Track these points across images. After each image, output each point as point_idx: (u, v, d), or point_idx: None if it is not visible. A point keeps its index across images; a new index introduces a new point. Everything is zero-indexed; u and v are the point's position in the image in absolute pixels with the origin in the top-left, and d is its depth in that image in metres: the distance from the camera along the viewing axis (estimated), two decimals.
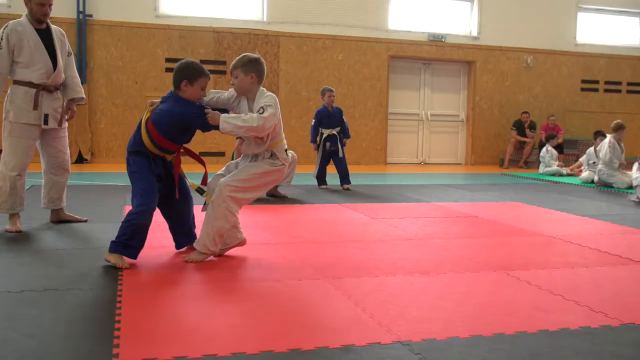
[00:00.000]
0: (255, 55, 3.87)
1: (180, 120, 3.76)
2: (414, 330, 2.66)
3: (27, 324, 2.64)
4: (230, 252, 4.07)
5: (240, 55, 3.87)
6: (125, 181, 8.26)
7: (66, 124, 5.06)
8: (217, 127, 3.68)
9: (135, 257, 3.71)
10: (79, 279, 3.40)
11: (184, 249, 4.12)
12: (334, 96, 8.55)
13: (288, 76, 13.15)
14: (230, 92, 3.94)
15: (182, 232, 4.11)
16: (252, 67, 3.79)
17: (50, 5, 4.76)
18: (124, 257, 3.66)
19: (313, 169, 8.63)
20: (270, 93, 3.84)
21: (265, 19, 13.05)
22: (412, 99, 14.53)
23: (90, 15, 11.98)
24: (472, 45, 14.40)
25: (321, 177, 8.37)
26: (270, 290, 3.32)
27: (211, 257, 3.92)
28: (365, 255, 4.17)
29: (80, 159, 11.73)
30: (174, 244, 4.18)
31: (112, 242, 3.70)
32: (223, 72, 12.80)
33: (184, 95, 3.78)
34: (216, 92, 3.98)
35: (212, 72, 12.62)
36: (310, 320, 2.80)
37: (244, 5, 13.03)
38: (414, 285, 3.45)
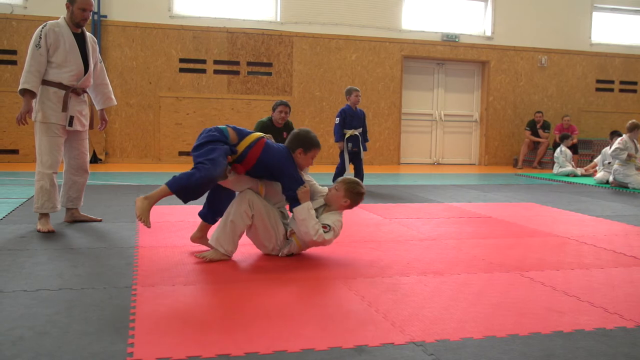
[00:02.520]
0: (364, 191, 4.08)
1: (279, 168, 3.92)
2: (427, 331, 2.66)
3: (42, 322, 2.66)
4: (244, 252, 4.08)
5: (357, 182, 4.07)
6: (139, 181, 8.24)
7: (87, 127, 5.16)
8: (294, 200, 3.87)
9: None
10: (94, 278, 3.42)
11: (198, 250, 4.14)
12: (360, 96, 8.51)
13: (301, 76, 13.16)
14: (324, 189, 4.15)
15: (218, 211, 4.13)
16: (353, 198, 4.03)
17: (91, 11, 4.90)
18: (150, 217, 3.69)
19: (326, 169, 8.62)
20: (341, 218, 4.02)
21: (278, 19, 13.07)
22: (425, 99, 14.50)
23: (105, 16, 12.06)
24: (485, 45, 14.35)
25: (339, 175, 8.35)
26: (283, 289, 3.33)
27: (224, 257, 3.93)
28: (378, 256, 4.17)
29: (94, 159, 11.81)
30: (189, 242, 4.30)
31: (175, 179, 3.68)
32: (237, 73, 12.84)
33: (296, 160, 3.99)
34: (312, 181, 4.18)
35: (226, 72, 12.73)
36: (324, 320, 2.79)
37: (258, 5, 13.06)
38: (428, 285, 3.44)
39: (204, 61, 12.69)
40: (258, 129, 6.78)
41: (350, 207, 4.07)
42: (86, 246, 4.32)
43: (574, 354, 2.44)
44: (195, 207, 6.27)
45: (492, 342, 2.55)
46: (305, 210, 3.83)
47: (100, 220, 5.28)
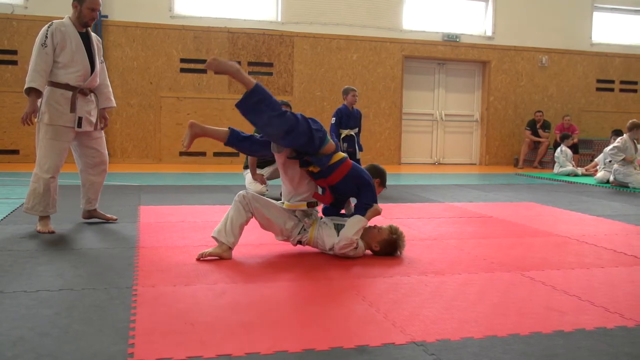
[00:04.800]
0: (398, 250, 4.19)
1: (367, 181, 4.16)
2: (428, 331, 2.66)
3: (42, 323, 2.66)
4: (245, 253, 4.08)
5: (400, 243, 4.17)
6: (140, 181, 8.24)
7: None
8: (362, 210, 4.09)
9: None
10: (94, 279, 3.43)
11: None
12: (357, 96, 8.50)
13: (302, 76, 13.16)
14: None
15: (246, 139, 4.22)
16: (385, 248, 4.16)
17: (99, 11, 4.88)
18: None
19: None
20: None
21: (279, 20, 13.08)
22: (426, 99, 14.50)
23: (106, 16, 12.06)
24: (486, 45, 14.34)
25: None
26: (284, 290, 3.33)
27: (225, 256, 3.93)
28: (378, 256, 4.16)
29: None
30: (190, 243, 4.35)
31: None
32: None
33: None
34: None
35: None
36: (324, 321, 2.79)
37: (258, 5, 13.06)
38: (429, 285, 3.44)
39: (204, 61, 12.59)
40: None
41: (377, 253, 4.17)
42: (87, 247, 4.32)
43: (575, 354, 2.44)
44: (194, 208, 6.28)
45: (493, 342, 2.55)
46: (362, 222, 4.03)
47: (115, 219, 5.31)
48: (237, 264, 3.87)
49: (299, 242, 4.14)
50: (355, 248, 4.03)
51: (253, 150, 4.25)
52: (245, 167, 7.50)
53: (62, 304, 2.94)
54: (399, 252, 4.18)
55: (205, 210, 6.02)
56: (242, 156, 8.29)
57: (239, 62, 12.76)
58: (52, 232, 4.71)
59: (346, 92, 8.45)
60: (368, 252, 4.20)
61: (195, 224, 5.30)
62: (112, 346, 2.41)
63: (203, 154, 12.68)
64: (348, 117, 8.34)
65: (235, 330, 2.63)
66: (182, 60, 12.59)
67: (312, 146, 3.88)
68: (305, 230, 4.11)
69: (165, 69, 12.51)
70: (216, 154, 12.62)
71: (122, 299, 3.05)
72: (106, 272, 3.58)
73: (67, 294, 3.13)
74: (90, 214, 5.23)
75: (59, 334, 2.53)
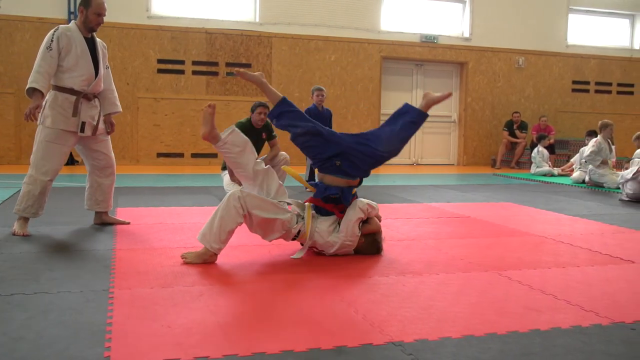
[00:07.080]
0: (378, 245, 4.27)
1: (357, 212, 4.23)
2: (406, 331, 2.67)
3: (16, 327, 2.62)
4: (222, 254, 4.06)
5: (378, 243, 4.26)
6: (118, 183, 8.24)
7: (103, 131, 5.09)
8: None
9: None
10: (70, 282, 3.39)
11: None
12: (323, 95, 8.53)
13: (280, 77, 13.14)
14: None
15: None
16: (368, 246, 4.22)
17: (105, 15, 4.88)
18: None
19: (304, 170, 8.62)
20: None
21: (257, 20, 13.04)
22: (404, 99, 14.34)
23: None
24: (464, 46, 14.44)
25: (311, 179, 8.33)
26: (262, 291, 3.32)
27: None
28: (357, 256, 4.16)
29: (71, 161, 11.67)
30: (167, 245, 4.28)
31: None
32: (215, 74, 12.79)
33: None
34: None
35: (205, 73, 12.67)
36: (303, 322, 2.79)
37: (236, 6, 13.02)
38: (407, 285, 3.45)
39: (182, 62, 12.63)
40: None
41: (358, 250, 4.19)
42: (63, 249, 4.27)
43: (551, 352, 2.46)
44: (172, 209, 6.24)
45: (471, 341, 2.56)
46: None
47: (128, 223, 5.27)
48: (215, 265, 3.85)
49: (297, 234, 4.04)
50: (361, 224, 4.10)
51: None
52: (224, 169, 7.48)
53: (37, 308, 2.90)
54: (379, 244, 4.24)
55: (183, 212, 5.99)
56: (221, 157, 8.24)
57: (217, 63, 12.72)
58: (27, 235, 4.66)
59: (312, 91, 8.58)
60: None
61: (172, 225, 5.27)
62: (88, 349, 2.38)
63: (181, 155, 12.61)
64: (317, 117, 8.31)
65: (213, 332, 2.62)
66: (159, 61, 12.51)
67: (364, 165, 4.23)
68: (302, 219, 4.04)
69: (142, 69, 12.42)
70: (194, 155, 12.56)
71: (98, 301, 3.03)
72: (82, 275, 3.54)
73: (42, 297, 3.09)
74: (102, 218, 5.20)
75: (34, 338, 2.50)
